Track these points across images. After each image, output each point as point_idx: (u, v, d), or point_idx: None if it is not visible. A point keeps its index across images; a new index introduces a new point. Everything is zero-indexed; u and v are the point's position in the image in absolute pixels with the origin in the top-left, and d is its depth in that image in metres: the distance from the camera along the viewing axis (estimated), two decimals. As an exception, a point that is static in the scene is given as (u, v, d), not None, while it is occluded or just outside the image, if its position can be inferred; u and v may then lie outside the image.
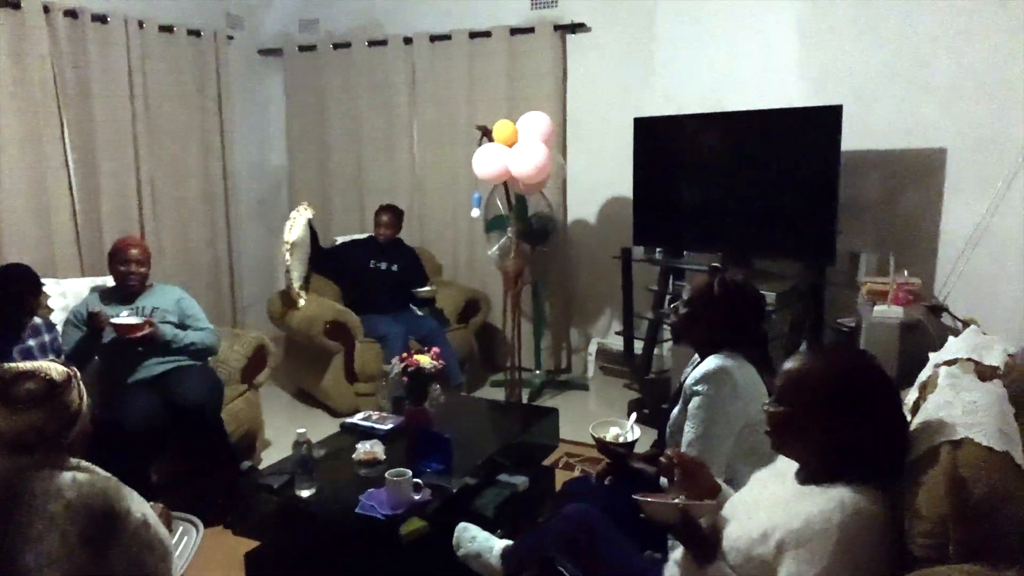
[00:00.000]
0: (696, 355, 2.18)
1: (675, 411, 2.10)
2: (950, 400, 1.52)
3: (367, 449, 2.61)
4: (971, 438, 1.36)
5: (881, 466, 1.44)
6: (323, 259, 4.58)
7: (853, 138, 3.49)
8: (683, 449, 1.96)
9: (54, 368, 1.59)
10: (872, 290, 2.98)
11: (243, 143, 5.38)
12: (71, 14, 4.17)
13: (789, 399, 1.48)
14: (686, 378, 2.10)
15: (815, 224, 3.53)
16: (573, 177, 4.94)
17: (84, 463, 1.57)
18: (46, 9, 4.04)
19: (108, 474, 1.59)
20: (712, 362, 2.00)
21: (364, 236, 4.80)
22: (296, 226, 4.34)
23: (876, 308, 2.83)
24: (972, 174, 3.26)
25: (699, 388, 1.99)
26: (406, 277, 4.60)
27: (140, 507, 1.56)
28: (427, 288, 4.53)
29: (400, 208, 4.76)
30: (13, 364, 1.58)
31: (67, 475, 1.52)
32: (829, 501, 1.37)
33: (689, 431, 1.99)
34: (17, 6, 3.92)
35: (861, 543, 1.32)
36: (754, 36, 4.18)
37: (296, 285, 4.36)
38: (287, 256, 4.31)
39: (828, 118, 3.41)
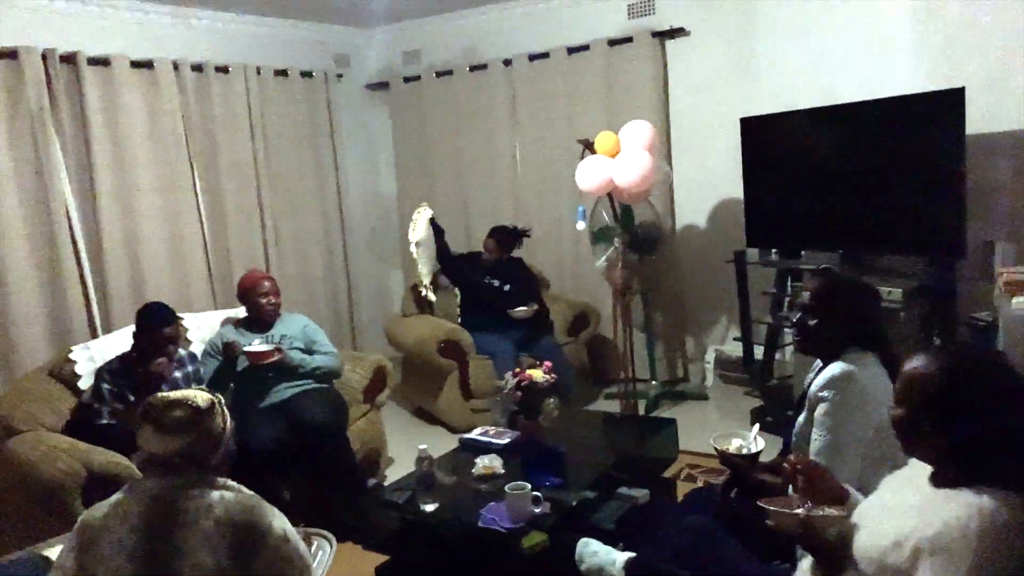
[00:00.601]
0: (818, 360, 2.10)
1: (800, 419, 2.03)
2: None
3: (486, 464, 2.66)
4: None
5: (1018, 469, 1.34)
6: (451, 260, 4.69)
7: (979, 121, 3.29)
8: (811, 458, 1.90)
9: (200, 396, 1.73)
10: (1010, 281, 2.78)
11: (355, 175, 5.63)
12: (197, 68, 4.51)
13: (906, 401, 1.42)
14: (809, 384, 2.03)
15: (941, 216, 3.34)
16: (680, 183, 4.87)
17: (230, 482, 1.70)
18: (175, 66, 4.39)
19: (252, 492, 1.71)
20: (837, 367, 1.93)
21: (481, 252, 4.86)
22: (419, 226, 4.48)
23: (1015, 300, 2.64)
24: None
25: (825, 394, 1.92)
26: (517, 296, 4.59)
27: (282, 523, 1.67)
28: (521, 308, 4.49)
29: (510, 228, 4.75)
30: (164, 393, 1.73)
31: (216, 493, 1.64)
32: (967, 507, 1.29)
33: (816, 439, 1.92)
34: (151, 66, 4.27)
35: (1000, 551, 1.24)
36: (862, 21, 4.02)
37: (426, 281, 4.54)
38: (414, 253, 4.48)
39: (950, 102, 3.24)
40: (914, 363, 1.44)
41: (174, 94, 4.37)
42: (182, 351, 3.29)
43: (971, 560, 1.23)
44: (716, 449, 2.12)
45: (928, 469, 1.47)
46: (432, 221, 4.55)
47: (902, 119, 3.51)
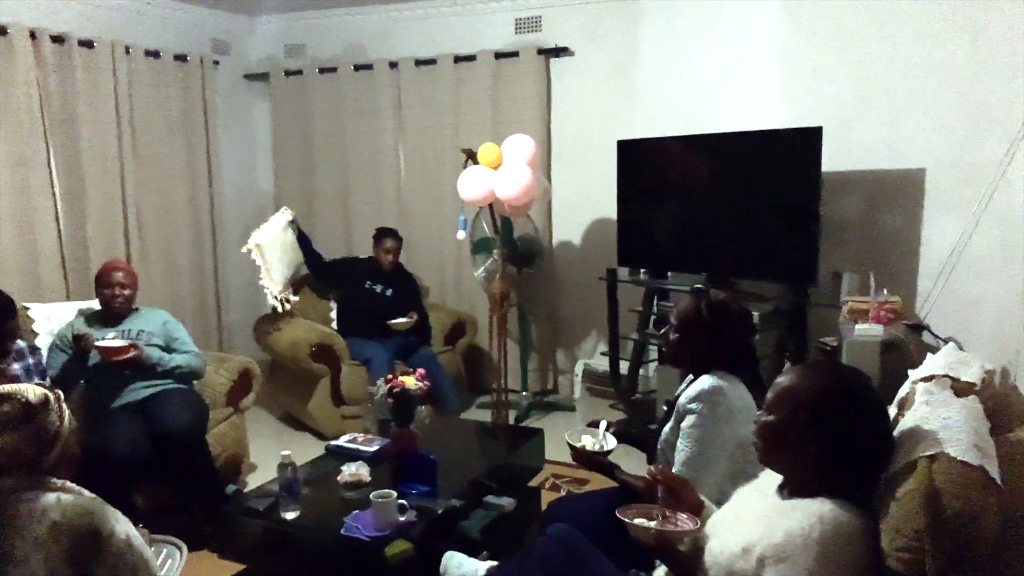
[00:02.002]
0: (689, 376, 2.19)
1: (667, 428, 2.11)
2: (926, 416, 1.54)
3: (352, 471, 2.61)
4: (946, 452, 1.38)
5: (863, 482, 1.45)
6: (324, 266, 4.60)
7: (834, 159, 3.55)
8: (676, 468, 1.98)
9: (31, 390, 1.59)
10: (853, 309, 3.01)
11: (230, 168, 5.39)
12: (58, 40, 4.20)
13: (778, 410, 1.50)
14: (679, 396, 2.11)
15: (797, 245, 3.58)
16: (558, 199, 4.98)
17: (69, 484, 1.57)
18: (33, 35, 4.06)
19: (93, 495, 1.59)
20: (706, 381, 2.02)
21: (366, 257, 4.72)
22: (267, 227, 4.31)
23: (857, 327, 2.86)
24: (951, 194, 3.31)
25: (693, 407, 2.00)
26: (400, 304, 4.53)
27: (125, 528, 1.56)
28: (401, 320, 4.38)
29: (399, 232, 4.71)
30: None
31: (52, 496, 1.52)
32: (810, 516, 1.38)
33: (683, 450, 2.00)
34: (3, 32, 3.94)
35: (841, 557, 1.33)
36: (736, 59, 4.26)
37: (275, 290, 4.31)
38: (253, 256, 4.24)
39: (809, 140, 3.47)
40: (789, 375, 1.53)
41: (30, 64, 4.04)
42: (21, 342, 3.03)
43: (812, 567, 1.32)
44: (570, 445, 2.17)
45: (776, 481, 1.56)
46: (295, 225, 4.44)
47: (765, 152, 3.75)
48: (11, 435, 1.52)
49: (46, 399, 1.60)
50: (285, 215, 4.44)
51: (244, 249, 4.26)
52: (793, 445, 1.47)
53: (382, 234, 4.63)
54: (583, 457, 2.16)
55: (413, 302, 4.62)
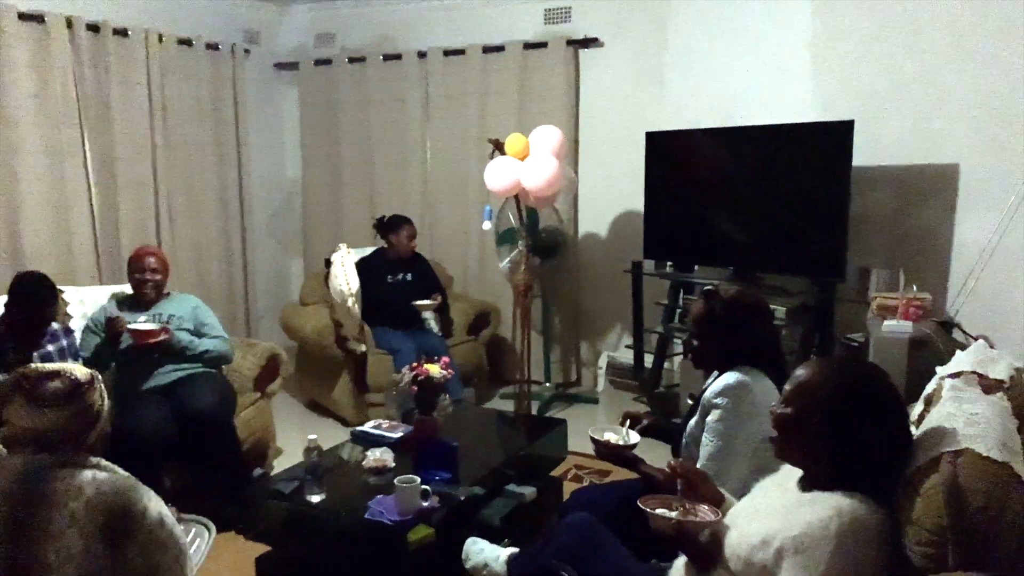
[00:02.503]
0: (716, 372, 2.19)
1: (691, 423, 2.11)
2: (952, 412, 1.53)
3: (376, 456, 2.63)
4: (972, 448, 1.37)
5: (882, 476, 1.45)
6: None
7: (864, 153, 3.50)
8: (701, 462, 1.98)
9: (78, 369, 1.63)
10: (882, 305, 2.99)
11: (258, 155, 5.45)
12: (93, 28, 4.27)
13: (797, 403, 1.50)
14: (704, 390, 2.11)
15: (825, 240, 3.54)
16: (584, 191, 4.97)
17: (104, 462, 1.61)
18: (69, 23, 4.13)
19: (127, 473, 1.63)
20: (732, 376, 2.01)
21: (371, 252, 4.64)
22: (351, 275, 4.16)
23: (885, 323, 2.83)
24: (984, 190, 3.26)
25: (718, 401, 2.00)
26: (422, 286, 4.52)
27: (157, 506, 1.60)
28: (426, 301, 4.37)
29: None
30: (39, 364, 1.63)
31: (88, 473, 1.56)
32: (828, 508, 1.38)
33: (707, 444, 2.00)
34: (41, 20, 4.01)
35: (859, 551, 1.33)
36: (766, 51, 4.22)
37: (356, 332, 4.20)
38: (353, 307, 4.12)
39: (840, 134, 3.44)
40: (808, 368, 1.53)
41: (67, 52, 4.11)
42: (55, 324, 3.10)
43: (829, 560, 1.32)
44: (595, 440, 2.18)
45: (796, 474, 1.56)
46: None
47: (795, 146, 3.72)
48: (61, 411, 1.57)
49: (92, 378, 1.64)
50: (352, 256, 4.27)
51: (349, 303, 4.11)
52: (810, 439, 1.47)
53: (402, 222, 4.54)
54: (607, 451, 2.16)
55: (433, 282, 4.61)
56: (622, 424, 2.26)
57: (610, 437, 2.18)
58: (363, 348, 4.14)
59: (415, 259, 4.68)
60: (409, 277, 4.52)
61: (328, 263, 4.32)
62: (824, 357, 1.53)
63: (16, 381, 1.58)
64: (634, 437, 2.18)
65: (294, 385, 4.68)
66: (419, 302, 4.38)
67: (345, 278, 4.12)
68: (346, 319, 4.18)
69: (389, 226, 4.55)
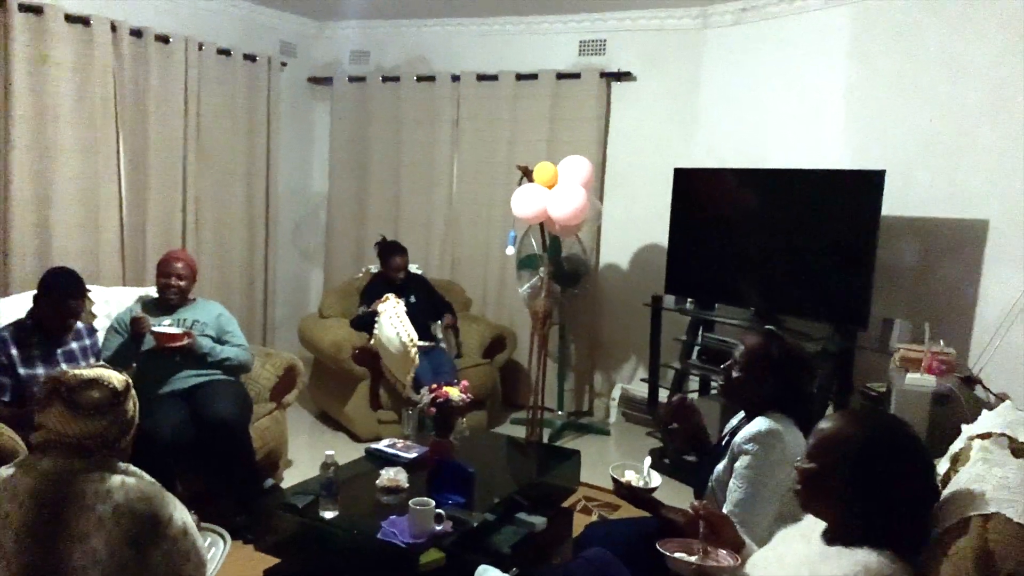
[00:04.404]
0: (742, 412, 2.18)
1: (719, 467, 2.09)
2: (982, 474, 1.52)
3: (391, 476, 2.63)
4: (1002, 513, 1.36)
5: (907, 533, 1.43)
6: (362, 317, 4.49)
7: (892, 203, 3.50)
8: (728, 508, 1.97)
9: (115, 377, 1.65)
10: (906, 357, 2.97)
11: (287, 167, 5.52)
12: (136, 33, 4.35)
13: (820, 458, 1.49)
14: (730, 432, 2.10)
15: (849, 287, 3.53)
16: (608, 222, 4.99)
17: (133, 468, 1.63)
18: (113, 27, 4.21)
19: (153, 480, 1.64)
20: (763, 423, 2.00)
21: (373, 277, 4.69)
22: (407, 325, 4.16)
23: (908, 376, 2.82)
24: (1013, 248, 3.25)
25: (748, 447, 1.99)
26: (428, 307, 4.56)
27: (182, 515, 1.61)
28: (427, 344, 4.34)
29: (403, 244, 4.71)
30: (78, 371, 1.64)
31: (117, 478, 1.57)
32: (854, 564, 1.36)
33: (736, 491, 1.98)
34: (86, 23, 4.09)
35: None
36: (799, 95, 4.24)
37: (408, 378, 4.18)
38: (415, 356, 4.14)
39: (871, 182, 3.43)
40: (832, 422, 1.52)
41: (109, 55, 4.18)
42: (79, 323, 3.14)
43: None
44: (615, 480, 2.16)
45: (821, 524, 1.55)
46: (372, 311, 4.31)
47: (824, 191, 3.71)
48: (99, 420, 1.58)
49: (127, 385, 1.66)
50: (401, 306, 4.27)
51: (413, 352, 4.13)
52: (835, 493, 1.46)
53: (394, 250, 4.58)
54: (626, 492, 2.15)
55: (439, 301, 4.65)
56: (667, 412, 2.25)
57: (631, 476, 2.16)
58: (416, 397, 3.95)
59: (415, 280, 4.71)
60: (413, 299, 4.52)
61: (372, 313, 4.31)
62: (847, 410, 1.51)
63: (54, 387, 1.59)
64: (655, 479, 2.17)
65: (306, 396, 4.68)
66: (437, 324, 4.45)
67: (404, 328, 4.15)
68: (401, 368, 4.18)
69: (383, 252, 4.62)
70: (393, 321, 4.17)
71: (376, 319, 4.23)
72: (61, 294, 2.97)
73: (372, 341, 4.25)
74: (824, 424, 1.53)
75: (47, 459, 1.57)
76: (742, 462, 1.98)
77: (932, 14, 3.63)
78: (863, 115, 3.96)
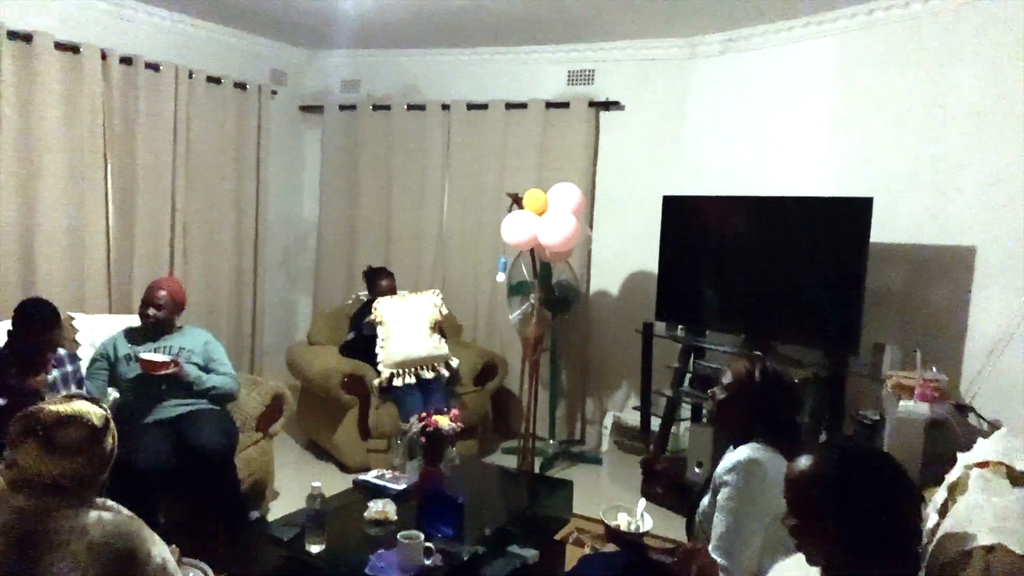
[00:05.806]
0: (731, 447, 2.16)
1: (704, 501, 2.07)
2: (981, 504, 1.50)
3: (379, 508, 2.59)
4: (1004, 544, 1.34)
5: (903, 562, 1.40)
6: (355, 341, 4.52)
7: (880, 230, 3.51)
8: (713, 543, 1.94)
9: (94, 413, 1.60)
10: (898, 384, 2.96)
11: (277, 194, 5.50)
12: (126, 60, 4.34)
13: (799, 508, 1.47)
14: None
15: (840, 313, 3.53)
16: (598, 249, 4.99)
17: (109, 502, 1.58)
18: (103, 55, 4.20)
19: (132, 514, 1.59)
20: (743, 452, 1.98)
21: (364, 304, 4.65)
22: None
23: (902, 403, 2.80)
24: (1002, 274, 3.26)
25: (728, 478, 1.96)
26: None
27: (161, 551, 1.56)
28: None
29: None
30: (54, 406, 1.58)
31: (93, 514, 1.52)
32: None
33: (719, 524, 1.96)
34: (76, 50, 4.08)
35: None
36: (785, 124, 4.27)
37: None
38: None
39: (858, 209, 3.45)
40: (799, 466, 1.49)
41: (98, 83, 4.17)
42: (61, 350, 3.08)
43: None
44: (606, 525, 2.14)
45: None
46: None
47: (813, 218, 3.73)
48: (77, 458, 1.53)
49: (106, 420, 1.61)
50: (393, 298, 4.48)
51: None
52: (820, 537, 1.44)
53: (380, 275, 4.65)
54: (617, 539, 2.12)
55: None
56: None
57: (622, 520, 2.14)
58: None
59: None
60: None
61: (372, 327, 4.42)
62: (813, 447, 1.46)
63: (29, 425, 1.53)
64: (647, 523, 2.14)
65: (293, 424, 4.61)
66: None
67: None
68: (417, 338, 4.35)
69: (370, 277, 4.70)
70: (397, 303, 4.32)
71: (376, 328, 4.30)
72: (34, 326, 2.89)
73: (380, 343, 4.31)
74: (793, 469, 1.50)
75: (21, 495, 1.51)
76: (723, 494, 1.96)
77: (915, 43, 3.67)
78: (849, 143, 4.00)
